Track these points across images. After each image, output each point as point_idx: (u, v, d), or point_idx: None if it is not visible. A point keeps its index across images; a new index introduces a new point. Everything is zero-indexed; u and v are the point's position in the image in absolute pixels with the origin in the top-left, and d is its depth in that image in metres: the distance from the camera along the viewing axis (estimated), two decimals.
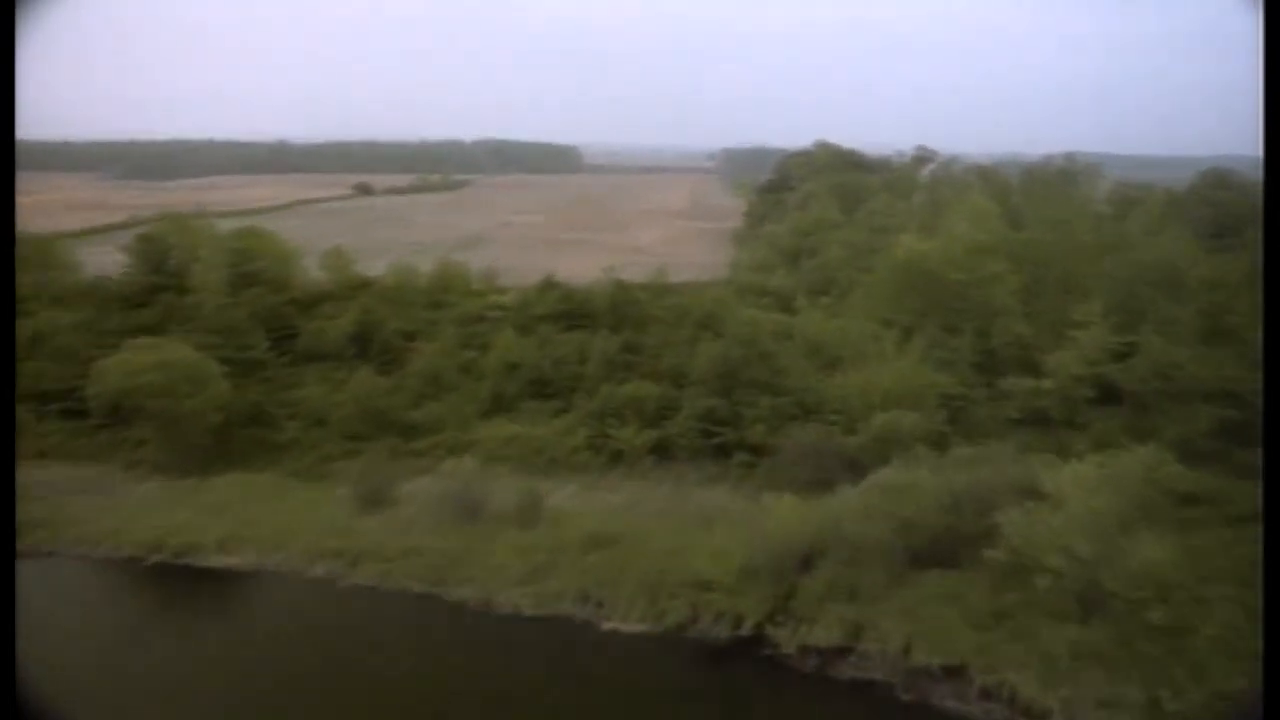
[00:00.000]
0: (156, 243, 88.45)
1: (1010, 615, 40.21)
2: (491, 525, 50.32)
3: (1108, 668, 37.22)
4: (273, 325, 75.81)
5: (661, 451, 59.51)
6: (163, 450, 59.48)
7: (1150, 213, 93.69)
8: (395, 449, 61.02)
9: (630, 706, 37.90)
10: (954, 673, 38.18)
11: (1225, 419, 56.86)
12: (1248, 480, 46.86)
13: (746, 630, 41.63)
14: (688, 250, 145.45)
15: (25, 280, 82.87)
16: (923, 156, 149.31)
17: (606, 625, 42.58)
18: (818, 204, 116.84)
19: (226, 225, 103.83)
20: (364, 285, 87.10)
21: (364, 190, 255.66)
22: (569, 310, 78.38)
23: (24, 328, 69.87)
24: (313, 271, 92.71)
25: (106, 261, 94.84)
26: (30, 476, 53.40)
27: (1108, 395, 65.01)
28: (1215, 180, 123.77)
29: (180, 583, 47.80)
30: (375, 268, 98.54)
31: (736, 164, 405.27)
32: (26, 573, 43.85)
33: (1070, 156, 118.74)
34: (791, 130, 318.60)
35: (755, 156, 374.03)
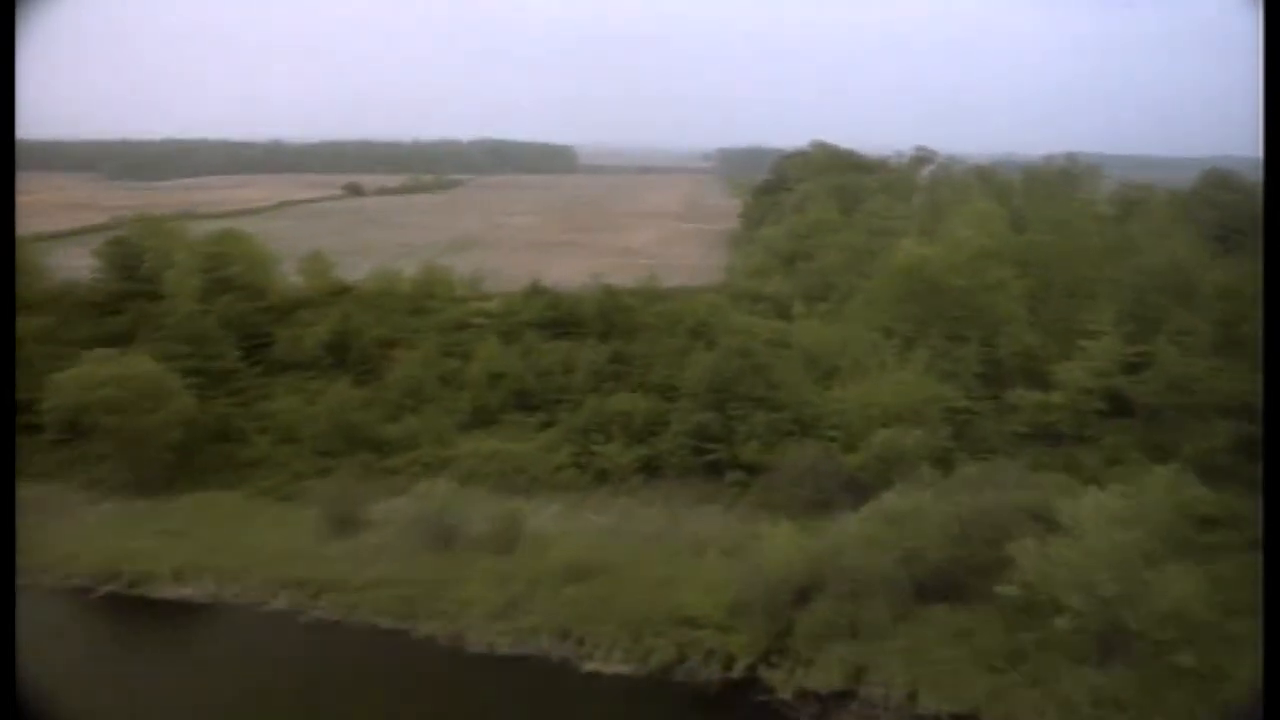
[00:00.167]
0: (128, 247, 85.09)
1: (1025, 656, 37.15)
2: (466, 552, 47.09)
3: (1133, 716, 34.16)
4: (246, 333, 72.44)
5: (650, 469, 56.36)
6: (122, 469, 56.18)
7: (1156, 215, 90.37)
8: (368, 466, 57.76)
9: None
10: None
11: (1243, 434, 53.77)
12: None
13: (738, 672, 38.48)
14: (682, 252, 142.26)
15: None
16: (922, 157, 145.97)
17: (586, 666, 39.38)
18: (815, 206, 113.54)
19: (211, 227, 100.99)
20: (343, 291, 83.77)
21: (354, 191, 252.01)
22: (556, 317, 75.11)
23: None
24: (292, 276, 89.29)
25: (83, 265, 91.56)
26: None
27: (1118, 407, 62.02)
28: (1218, 181, 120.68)
29: (131, 616, 44.55)
30: (360, 271, 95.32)
31: (733, 164, 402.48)
32: None
33: (1071, 157, 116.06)
34: (788, 130, 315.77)
35: (752, 156, 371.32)
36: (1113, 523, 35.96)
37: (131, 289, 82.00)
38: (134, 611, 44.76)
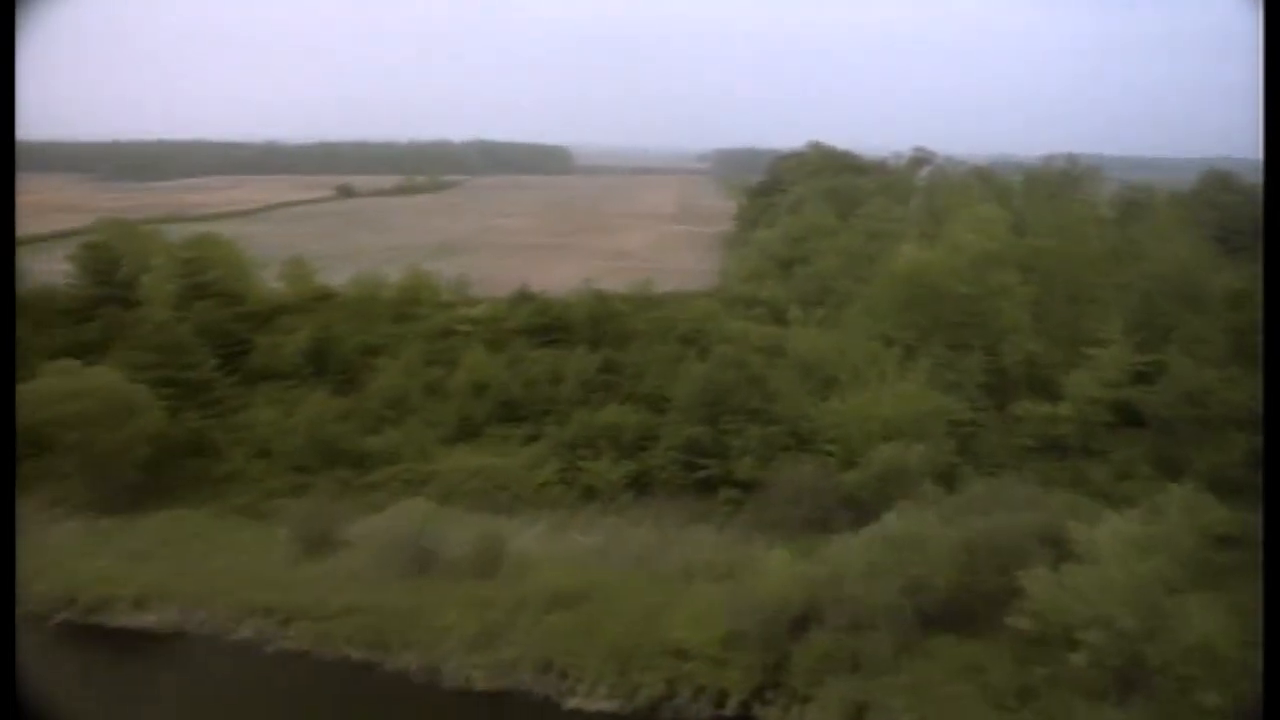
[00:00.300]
0: (102, 251, 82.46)
1: (1038, 694, 34.70)
2: (445, 576, 44.59)
3: None
4: (223, 341, 69.88)
5: (640, 485, 53.88)
6: (86, 487, 53.59)
7: (1161, 218, 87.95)
8: (346, 482, 55.24)
9: None
10: None
11: (1259, 448, 51.32)
12: None
13: (731, 709, 36.05)
14: (676, 256, 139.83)
15: None
16: (920, 158, 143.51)
17: (569, 702, 36.91)
18: (811, 208, 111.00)
19: (198, 229, 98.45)
20: (325, 296, 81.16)
21: (346, 192, 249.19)
22: (545, 324, 72.68)
23: None
24: (274, 281, 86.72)
25: (63, 270, 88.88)
26: None
27: (1127, 418, 59.69)
28: (1219, 183, 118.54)
29: (84, 648, 41.92)
30: (345, 275, 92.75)
31: (729, 165, 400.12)
32: None
33: (1072, 158, 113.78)
34: (785, 130, 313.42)
35: (748, 157, 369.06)
36: (1131, 551, 33.55)
37: (105, 295, 79.44)
38: (88, 642, 42.18)
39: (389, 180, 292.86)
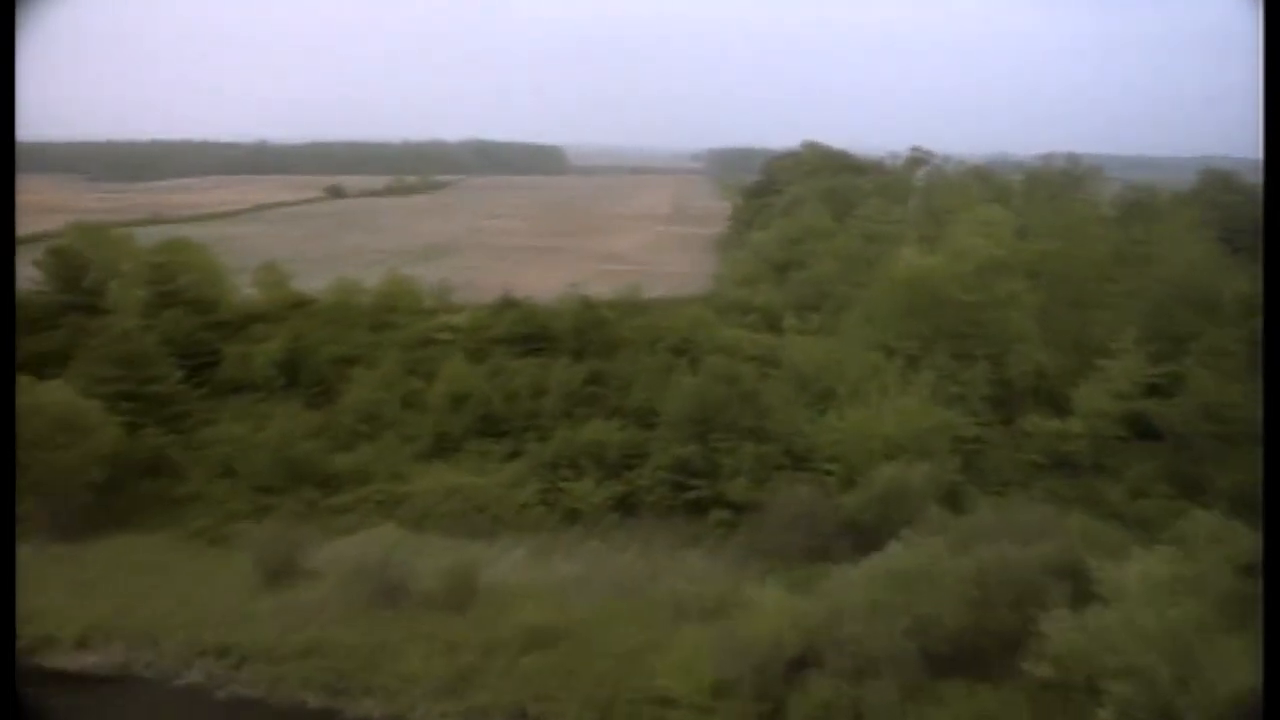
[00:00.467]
0: (69, 256, 78.96)
1: None
2: (414, 609, 41.39)
3: None
4: (191, 352, 66.65)
5: (626, 507, 50.71)
6: (35, 510, 50.20)
7: (1170, 219, 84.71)
8: (313, 503, 51.98)
9: None
10: None
11: None
12: None
13: None
14: (668, 258, 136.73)
15: None
16: (918, 158, 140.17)
17: None
18: (806, 210, 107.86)
19: (182, 232, 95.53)
20: (302, 303, 77.79)
21: (335, 193, 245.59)
22: (528, 333, 69.40)
23: None
24: (248, 288, 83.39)
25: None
26: None
27: (1140, 430, 56.68)
28: (1220, 183, 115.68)
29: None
30: (330, 279, 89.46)
31: (724, 165, 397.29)
32: None
33: (1073, 158, 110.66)
34: (780, 130, 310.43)
35: (743, 157, 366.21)
36: (1161, 594, 30.38)
37: (72, 302, 75.99)
38: (22, 688, 38.79)
39: (381, 180, 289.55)
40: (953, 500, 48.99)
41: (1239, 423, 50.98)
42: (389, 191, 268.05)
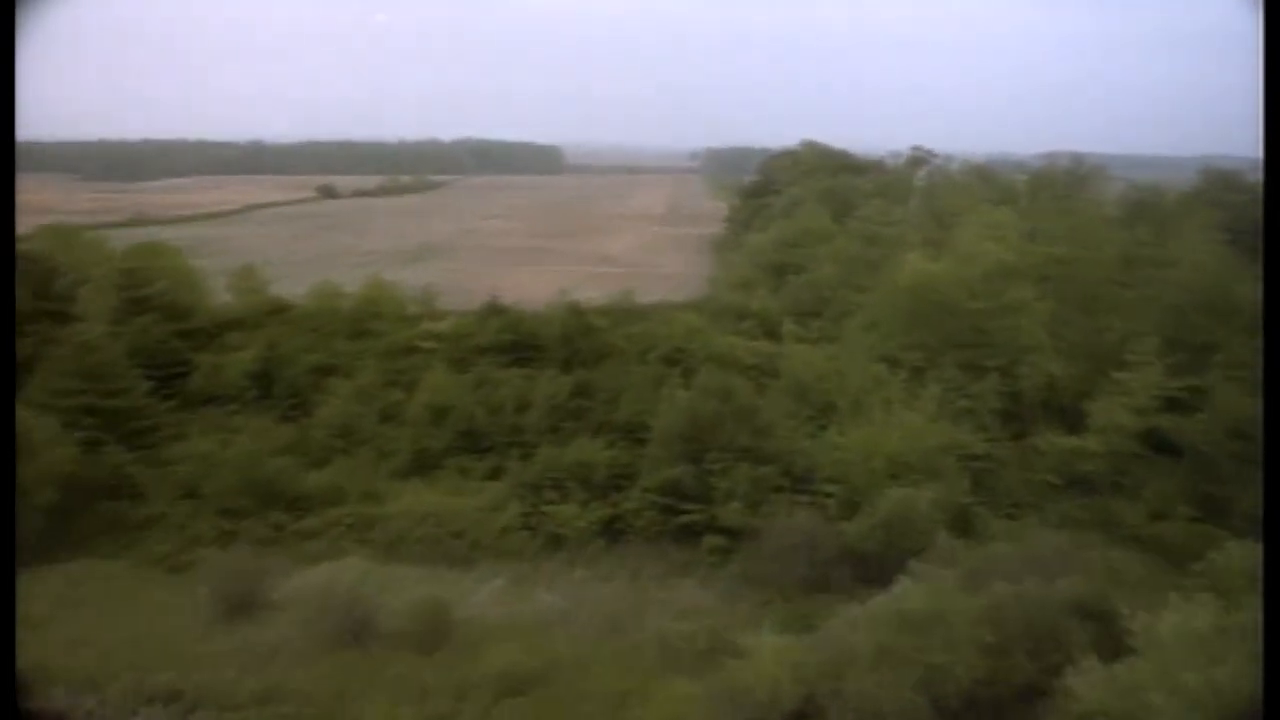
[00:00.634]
0: (38, 261, 75.74)
1: None
2: (383, 649, 38.23)
3: None
4: (160, 362, 63.60)
5: (613, 531, 47.56)
6: None
7: (1189, 222, 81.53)
8: (280, 527, 48.81)
9: None
10: None
11: None
12: None
13: None
14: (664, 260, 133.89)
15: None
16: (919, 157, 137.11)
17: None
18: (805, 212, 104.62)
19: (170, 233, 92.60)
20: (278, 310, 74.62)
21: (328, 193, 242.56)
22: (515, 341, 66.39)
23: None
24: (225, 294, 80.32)
25: None
26: None
27: (1158, 446, 53.64)
28: (1224, 182, 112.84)
29: None
30: (313, 282, 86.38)
31: (720, 164, 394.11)
32: None
33: (1077, 157, 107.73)
34: (778, 128, 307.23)
35: (740, 156, 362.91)
36: (1202, 648, 27.22)
37: (40, 309, 72.75)
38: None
39: (375, 180, 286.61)
40: (962, 523, 46.02)
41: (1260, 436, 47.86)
42: (382, 191, 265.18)
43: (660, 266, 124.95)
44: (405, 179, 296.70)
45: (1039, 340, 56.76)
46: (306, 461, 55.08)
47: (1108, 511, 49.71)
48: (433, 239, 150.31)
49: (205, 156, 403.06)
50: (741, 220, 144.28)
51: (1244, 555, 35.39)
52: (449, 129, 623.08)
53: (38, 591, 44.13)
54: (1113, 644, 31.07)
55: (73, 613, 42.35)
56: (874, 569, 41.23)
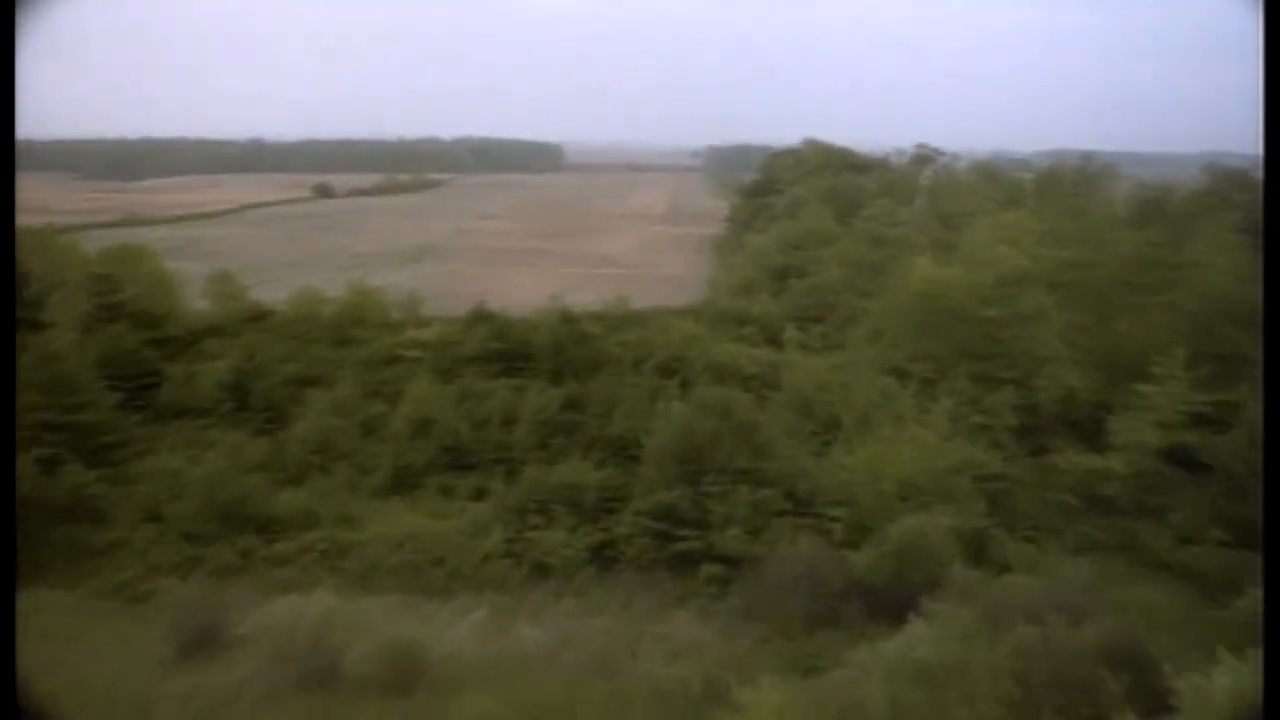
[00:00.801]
0: None
1: None
2: (351, 693, 35.10)
3: None
4: (130, 373, 60.55)
5: (604, 559, 44.39)
6: None
7: (1209, 223, 78.24)
8: (248, 553, 45.63)
9: None
10: None
11: None
12: None
13: None
14: (664, 261, 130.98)
15: None
16: (924, 156, 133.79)
17: None
18: (808, 212, 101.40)
19: (160, 234, 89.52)
20: (257, 317, 71.49)
21: (324, 192, 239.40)
22: (503, 350, 63.23)
23: None
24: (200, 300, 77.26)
25: None
26: None
27: (1183, 461, 50.40)
28: (1234, 180, 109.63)
29: None
30: (302, 284, 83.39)
31: (722, 162, 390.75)
32: None
33: (1087, 155, 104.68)
34: (780, 126, 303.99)
35: (741, 154, 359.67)
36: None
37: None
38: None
39: (371, 179, 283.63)
40: (977, 547, 42.88)
41: None
42: (379, 190, 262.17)
43: (660, 267, 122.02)
44: (403, 178, 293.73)
45: (1056, 350, 53.52)
46: (281, 479, 52.03)
47: (1132, 535, 46.54)
48: (427, 240, 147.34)
49: (205, 155, 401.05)
50: (743, 220, 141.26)
51: None
52: (450, 127, 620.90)
53: None
54: (1151, 699, 28.00)
55: (17, 651, 39.22)
56: (884, 602, 38.16)
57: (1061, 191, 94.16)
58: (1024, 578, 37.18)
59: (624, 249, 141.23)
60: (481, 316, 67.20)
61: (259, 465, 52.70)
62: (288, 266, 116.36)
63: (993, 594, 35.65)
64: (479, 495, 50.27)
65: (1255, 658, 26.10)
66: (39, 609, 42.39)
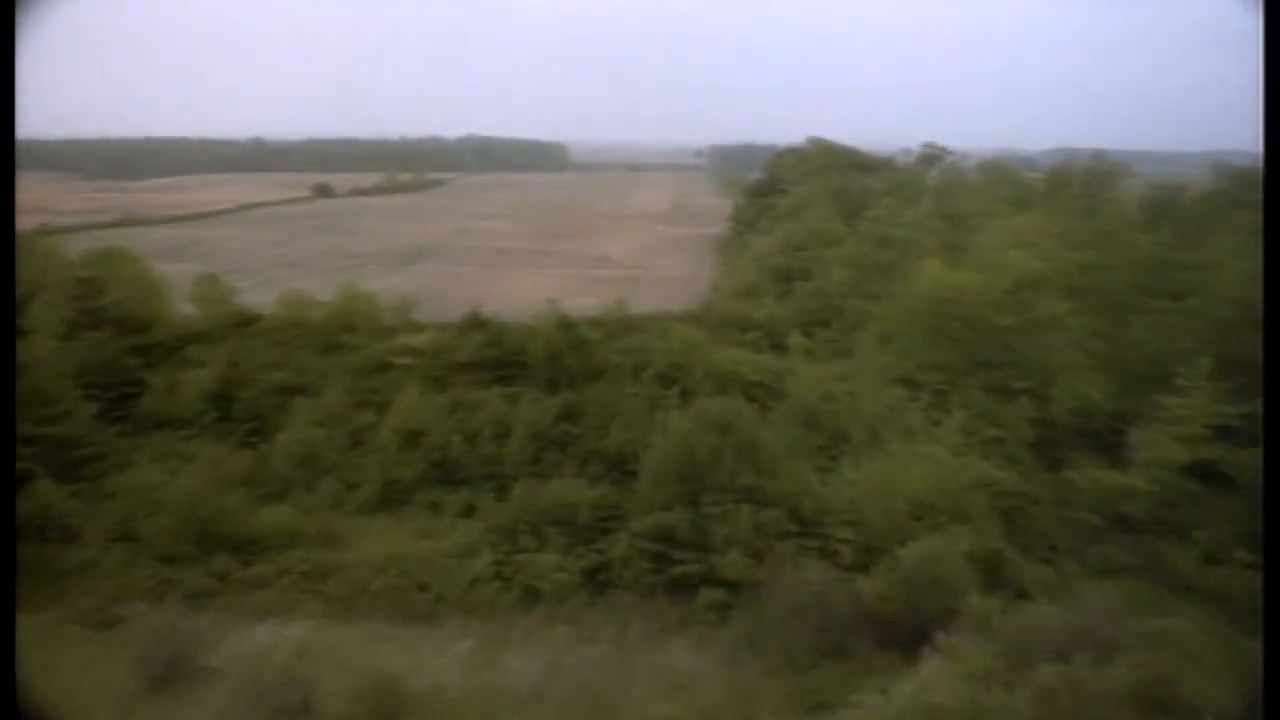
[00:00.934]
0: None
1: None
2: None
3: None
4: (111, 382, 58.35)
5: (599, 583, 42.05)
6: None
7: (1231, 225, 75.69)
8: (224, 576, 43.38)
9: None
10: None
11: None
12: None
13: None
14: (666, 262, 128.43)
15: None
16: (931, 155, 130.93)
17: None
18: (813, 213, 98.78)
19: (159, 234, 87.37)
20: (244, 323, 69.03)
21: (323, 192, 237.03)
22: (497, 357, 60.86)
23: None
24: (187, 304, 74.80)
25: None
26: None
27: (1206, 476, 47.99)
28: (1244, 180, 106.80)
29: None
30: (294, 288, 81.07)
31: (726, 161, 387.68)
32: None
33: (1098, 154, 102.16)
34: (784, 125, 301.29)
35: (746, 153, 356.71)
36: None
37: None
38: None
39: (372, 179, 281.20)
40: (993, 570, 40.59)
41: None
42: (380, 190, 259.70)
43: (663, 269, 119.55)
44: (404, 177, 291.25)
45: (1073, 359, 51.08)
46: (263, 494, 49.85)
47: (1156, 556, 44.17)
48: (426, 241, 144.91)
49: (207, 154, 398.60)
50: (746, 220, 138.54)
51: None
52: (454, 127, 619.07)
53: None
54: None
55: None
56: (895, 632, 35.93)
57: (1071, 191, 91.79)
58: (1044, 607, 34.81)
59: (626, 250, 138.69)
60: (476, 322, 64.74)
61: (240, 480, 50.52)
62: (283, 268, 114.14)
63: (1012, 626, 33.31)
64: (468, 512, 48.02)
65: None
66: None
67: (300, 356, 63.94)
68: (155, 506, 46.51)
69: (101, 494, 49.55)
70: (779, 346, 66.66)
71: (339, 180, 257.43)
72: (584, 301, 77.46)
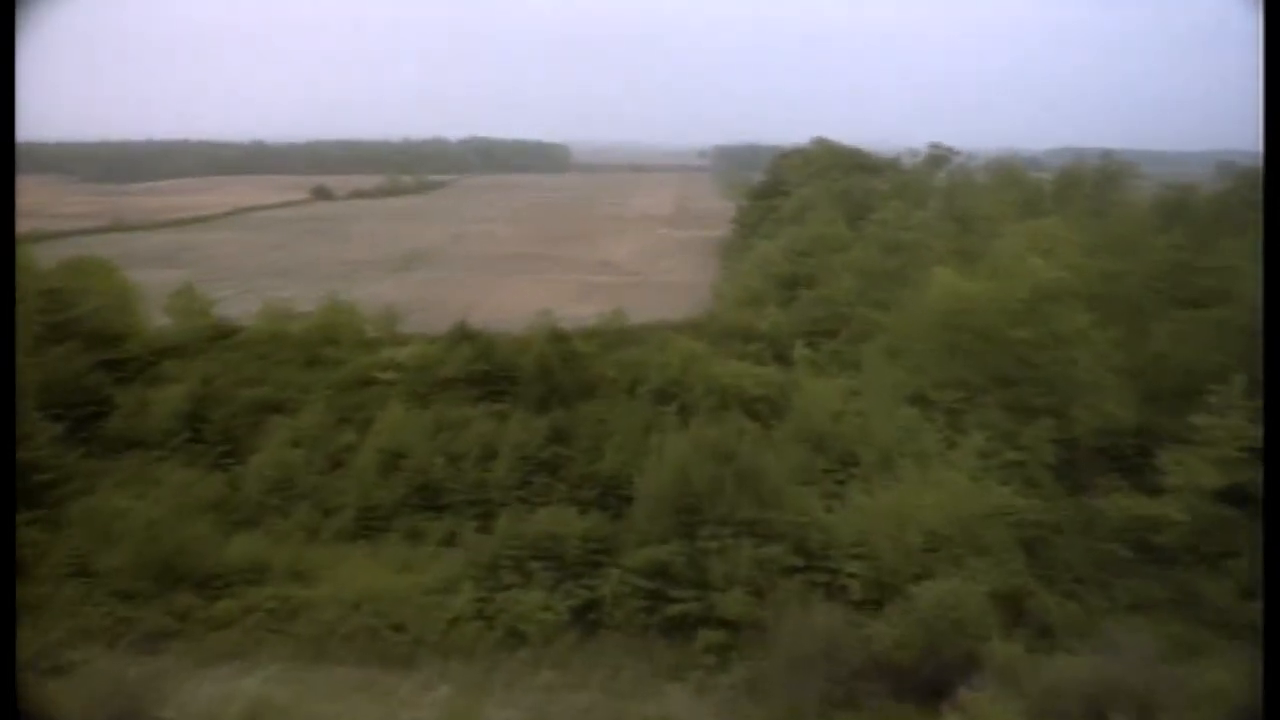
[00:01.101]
0: None
1: None
2: None
3: None
4: (77, 399, 55.32)
5: (588, 623, 38.87)
6: None
7: (1240, 227, 72.40)
8: (186, 615, 40.26)
9: None
10: None
11: None
12: None
13: None
14: (668, 266, 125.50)
15: None
16: (938, 156, 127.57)
17: None
18: (817, 217, 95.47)
19: (153, 239, 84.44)
20: (221, 335, 65.99)
21: (321, 194, 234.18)
22: (486, 372, 57.86)
23: None
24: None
25: None
26: None
27: (1238, 501, 44.76)
28: (1253, 180, 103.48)
29: None
30: (286, 295, 78.13)
31: (730, 162, 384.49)
32: None
33: (1107, 154, 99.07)
34: (788, 125, 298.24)
35: (749, 154, 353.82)
36: None
37: None
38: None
39: (374, 181, 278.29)
40: (1014, 606, 37.48)
41: None
42: (379, 192, 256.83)
43: (664, 274, 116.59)
44: (405, 179, 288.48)
45: (1097, 375, 47.78)
46: (233, 521, 46.80)
47: (1189, 588, 40.91)
48: (422, 245, 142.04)
49: (207, 157, 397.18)
50: (750, 223, 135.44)
51: None
52: (456, 128, 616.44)
53: None
54: None
55: None
56: (912, 682, 32.84)
57: (1082, 193, 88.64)
58: (1074, 658, 31.66)
59: (627, 254, 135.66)
60: (464, 334, 61.67)
61: (210, 506, 47.44)
62: (273, 275, 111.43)
63: (1041, 680, 30.19)
64: (451, 541, 44.86)
65: None
66: None
67: (279, 371, 61.04)
68: (115, 537, 43.41)
69: (60, 522, 46.50)
70: (783, 358, 63.59)
71: (340, 183, 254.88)
72: (582, 309, 74.72)
